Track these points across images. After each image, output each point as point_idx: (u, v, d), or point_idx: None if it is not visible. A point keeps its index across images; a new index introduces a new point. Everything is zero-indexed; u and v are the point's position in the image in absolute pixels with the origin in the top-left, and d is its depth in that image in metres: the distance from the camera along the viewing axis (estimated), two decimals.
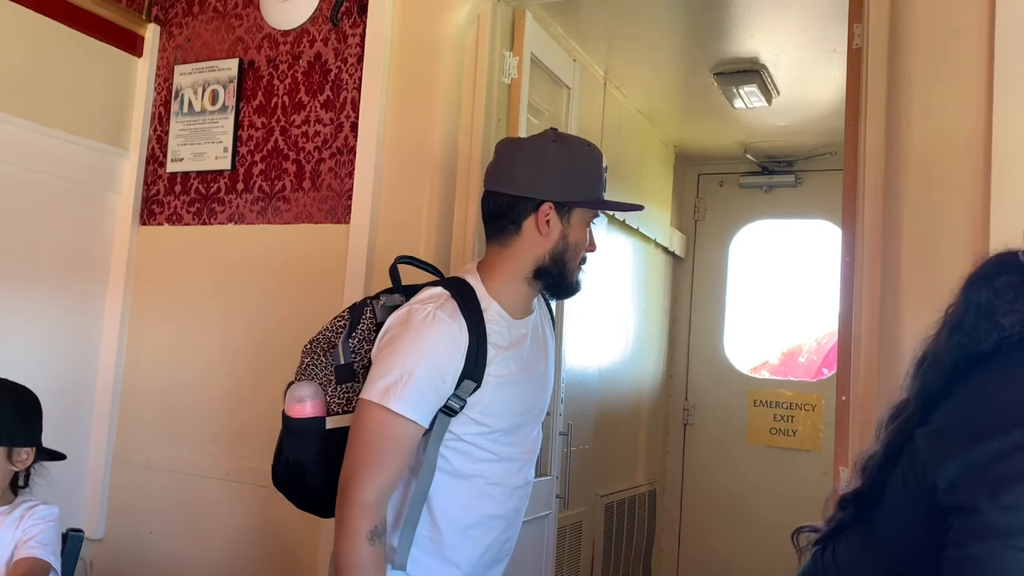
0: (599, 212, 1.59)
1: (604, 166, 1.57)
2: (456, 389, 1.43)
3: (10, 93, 2.31)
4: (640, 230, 3.60)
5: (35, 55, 2.38)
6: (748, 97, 3.15)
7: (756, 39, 2.78)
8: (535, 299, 1.60)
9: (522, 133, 2.31)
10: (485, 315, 1.48)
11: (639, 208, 1.65)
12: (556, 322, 1.83)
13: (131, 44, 2.64)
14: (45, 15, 2.40)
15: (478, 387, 1.44)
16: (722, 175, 4.31)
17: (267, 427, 2.27)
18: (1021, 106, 1.59)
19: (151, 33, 2.65)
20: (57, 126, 2.44)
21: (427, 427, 1.43)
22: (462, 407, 1.45)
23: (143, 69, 2.65)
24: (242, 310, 2.44)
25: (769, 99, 3.16)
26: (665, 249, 4.06)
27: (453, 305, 1.44)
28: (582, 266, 1.56)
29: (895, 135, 1.76)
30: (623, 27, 2.81)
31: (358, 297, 2.20)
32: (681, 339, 4.31)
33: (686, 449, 4.22)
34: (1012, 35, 1.60)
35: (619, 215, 3.33)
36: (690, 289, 4.34)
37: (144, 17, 2.65)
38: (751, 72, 2.94)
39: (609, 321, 3.40)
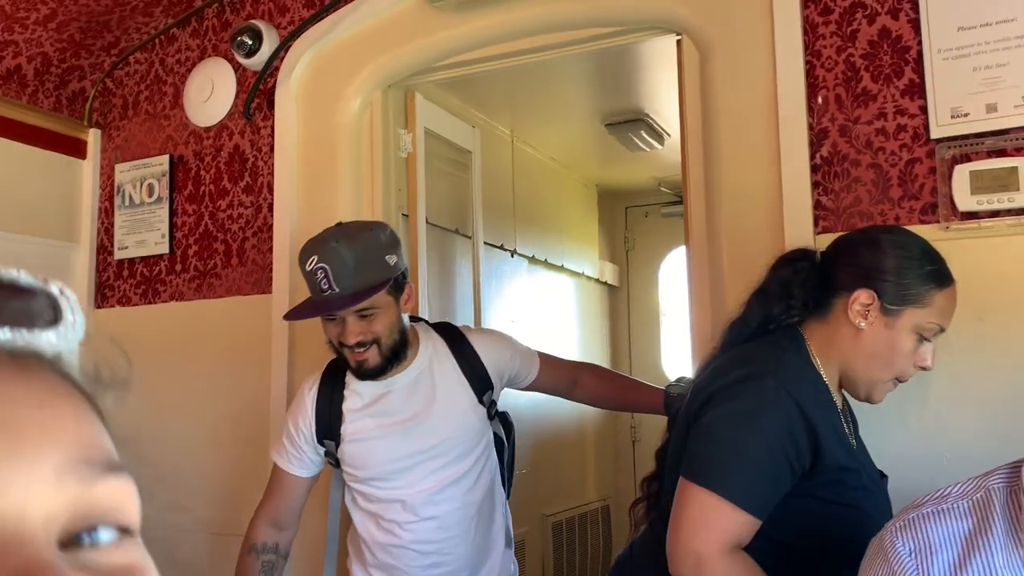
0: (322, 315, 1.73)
1: (307, 269, 1.66)
2: (324, 446, 1.78)
3: None
4: (565, 266, 3.91)
5: None
6: (644, 141, 3.48)
7: (636, 94, 3.12)
8: (419, 349, 1.80)
9: (421, 200, 2.63)
10: (347, 380, 1.79)
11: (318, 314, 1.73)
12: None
13: (76, 149, 2.96)
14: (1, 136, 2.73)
15: (338, 444, 1.77)
16: (646, 207, 4.64)
17: (220, 480, 2.57)
18: (798, 165, 1.90)
19: (93, 137, 2.98)
20: (12, 229, 2.74)
21: (304, 474, 1.82)
22: (337, 461, 1.80)
23: (88, 170, 2.97)
24: (192, 377, 2.72)
25: (661, 141, 3.49)
26: (597, 280, 4.37)
27: (315, 379, 1.81)
28: (343, 350, 1.73)
29: (714, 182, 2.08)
30: (519, 95, 3.15)
31: (284, 359, 2.52)
32: (623, 361, 4.60)
33: (636, 465, 4.49)
34: (790, 117, 1.92)
35: (539, 255, 3.65)
36: (627, 314, 4.65)
37: (85, 123, 2.98)
38: (637, 121, 3.27)
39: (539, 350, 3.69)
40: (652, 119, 3.30)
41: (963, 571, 0.90)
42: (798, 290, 1.42)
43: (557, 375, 2.02)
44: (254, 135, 2.70)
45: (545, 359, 2.01)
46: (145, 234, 2.84)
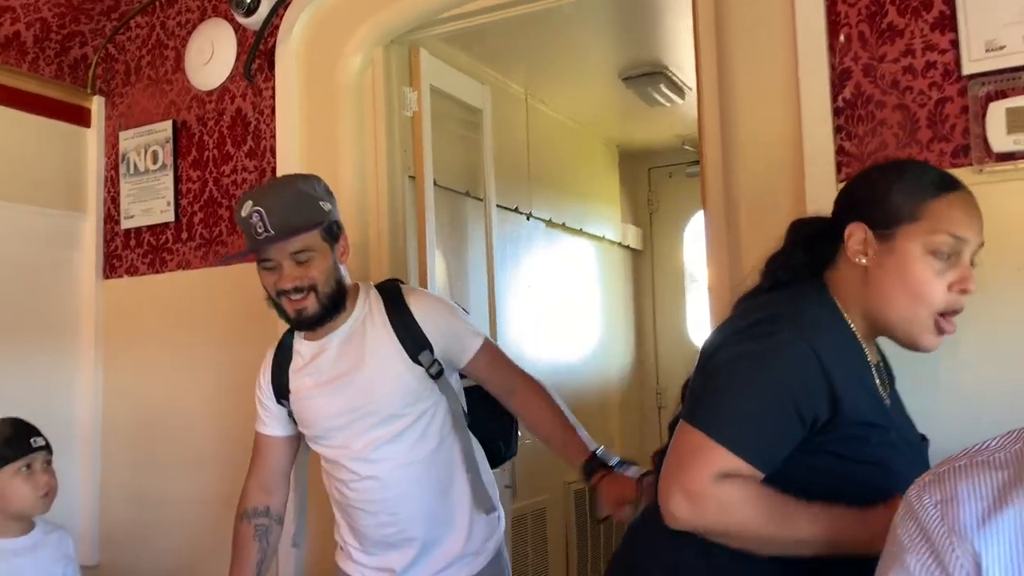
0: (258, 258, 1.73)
1: (241, 216, 1.69)
2: (283, 406, 1.84)
3: None
4: (584, 230, 3.81)
5: None
6: (663, 96, 3.34)
7: (654, 45, 2.99)
8: (355, 308, 1.78)
9: (428, 161, 2.54)
10: (294, 342, 1.83)
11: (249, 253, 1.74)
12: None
13: (80, 117, 2.91)
14: (1, 104, 2.68)
15: (288, 402, 1.84)
16: (670, 167, 4.50)
17: (231, 448, 2.54)
18: (819, 109, 1.78)
19: (96, 105, 2.93)
20: (20, 200, 2.71)
21: (278, 433, 1.86)
22: (295, 420, 1.84)
23: (92, 138, 2.92)
24: (200, 345, 2.68)
25: (682, 95, 3.35)
26: (620, 244, 4.26)
27: (276, 342, 1.87)
28: (281, 299, 1.73)
29: (731, 135, 1.97)
30: (531, 49, 3.02)
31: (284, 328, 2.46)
32: (647, 327, 4.50)
33: (661, 432, 4.40)
34: (810, 58, 1.80)
35: (556, 218, 3.54)
36: (651, 278, 4.54)
37: (89, 91, 2.93)
38: (655, 74, 3.14)
39: (560, 319, 3.61)
40: (671, 72, 3.17)
41: (993, 521, 0.83)
42: (803, 246, 1.34)
43: (494, 374, 1.87)
44: (256, 97, 2.62)
45: (489, 352, 1.86)
46: (151, 202, 2.79)
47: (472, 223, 2.97)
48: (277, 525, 1.89)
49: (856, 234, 1.26)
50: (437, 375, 1.78)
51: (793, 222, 1.40)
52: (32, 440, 1.93)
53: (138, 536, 2.76)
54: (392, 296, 1.81)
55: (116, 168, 2.89)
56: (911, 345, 1.28)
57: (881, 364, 1.36)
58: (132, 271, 2.84)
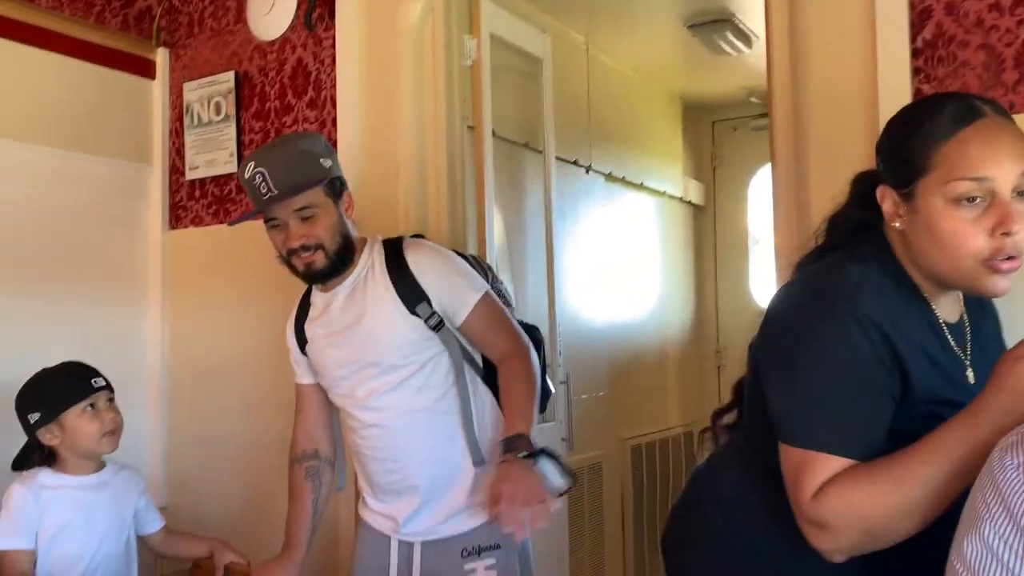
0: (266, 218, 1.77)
1: (244, 178, 1.73)
2: (306, 356, 1.91)
3: (47, 128, 2.65)
4: (645, 184, 3.74)
5: (65, 92, 2.71)
6: (730, 44, 3.24)
7: None
8: (358, 264, 1.80)
9: (486, 111, 2.50)
10: (312, 294, 1.89)
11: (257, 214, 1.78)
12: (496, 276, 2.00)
13: (145, 69, 2.95)
14: (70, 56, 2.73)
15: (308, 353, 1.90)
16: (734, 120, 4.38)
17: (291, 396, 2.59)
18: (896, 51, 1.70)
19: (161, 57, 2.96)
20: (89, 151, 2.77)
21: (310, 381, 1.95)
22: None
23: (157, 90, 2.96)
24: (263, 294, 2.72)
25: (749, 44, 3.24)
26: (681, 199, 4.18)
27: (301, 296, 1.95)
28: (291, 258, 1.78)
29: (802, 82, 1.89)
30: None
31: None
32: (708, 284, 4.43)
33: (720, 391, 4.35)
34: (888, 2, 1.71)
35: (616, 172, 3.48)
36: (713, 235, 4.45)
37: (154, 43, 2.96)
38: (722, 22, 3.04)
39: (619, 275, 3.57)
40: (738, 19, 3.06)
41: None
42: (861, 204, 1.25)
43: (488, 337, 1.83)
44: (316, 47, 2.62)
45: (485, 313, 1.81)
46: (214, 153, 2.83)
47: (530, 176, 2.94)
48: (327, 466, 1.96)
49: (885, 198, 1.17)
50: (437, 326, 1.77)
51: (855, 176, 1.31)
52: (93, 380, 1.97)
53: (203, 478, 2.85)
54: (394, 250, 1.83)
55: (180, 119, 2.93)
56: (978, 294, 1.18)
57: (965, 320, 1.25)
58: (197, 221, 2.89)
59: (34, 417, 1.93)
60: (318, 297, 1.89)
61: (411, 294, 1.76)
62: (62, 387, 1.95)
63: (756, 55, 3.40)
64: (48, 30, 2.67)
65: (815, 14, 1.86)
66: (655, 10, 3.12)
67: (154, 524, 2.11)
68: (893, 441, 1.09)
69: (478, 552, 1.78)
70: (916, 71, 1.67)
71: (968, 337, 1.24)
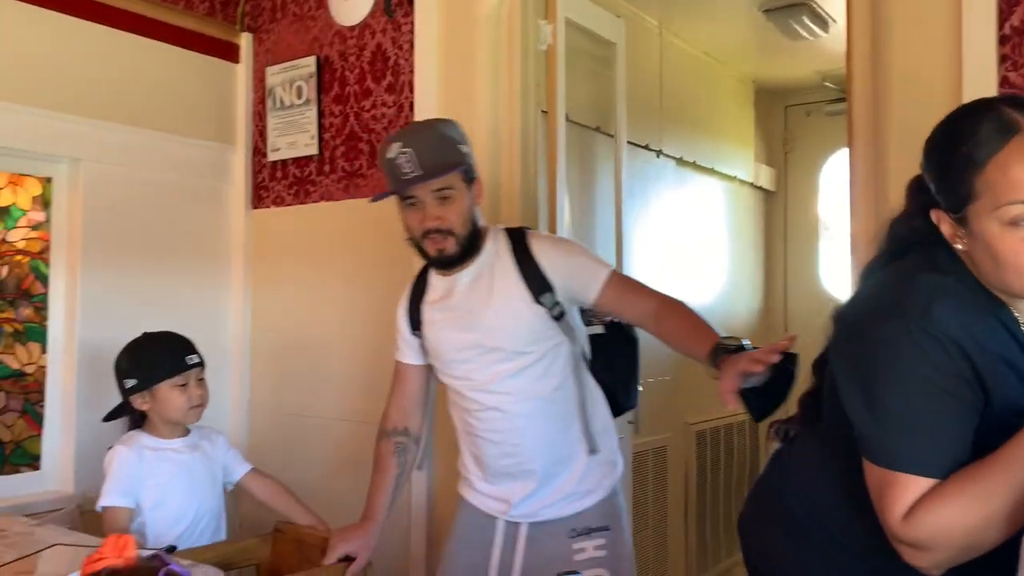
0: (403, 195, 1.81)
1: (388, 158, 1.78)
2: (416, 337, 1.95)
3: (139, 110, 2.79)
4: (716, 169, 3.72)
5: (155, 76, 2.84)
6: (806, 28, 3.20)
7: None
8: (484, 252, 1.85)
9: (560, 96, 2.53)
10: (429, 276, 1.92)
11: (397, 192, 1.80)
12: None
13: (230, 53, 3.06)
14: (160, 40, 2.85)
15: (421, 333, 1.94)
16: (808, 105, 4.32)
17: (366, 371, 2.68)
18: (982, 38, 1.67)
19: (245, 41, 3.07)
20: (178, 132, 2.90)
21: (413, 362, 1.99)
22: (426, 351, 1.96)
23: (241, 73, 3.07)
24: (339, 274, 2.83)
25: (826, 27, 3.19)
26: (752, 184, 4.14)
27: (414, 278, 1.99)
28: (424, 241, 1.83)
29: (882, 69, 1.88)
30: None
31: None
32: (777, 271, 4.39)
33: None
34: None
35: (687, 156, 3.48)
36: (783, 221, 4.40)
37: (238, 28, 3.07)
38: (799, 6, 3.00)
39: (688, 260, 3.57)
40: (816, 2, 3.02)
41: None
42: (923, 216, 1.19)
43: (627, 303, 1.86)
44: (395, 33, 2.68)
45: (618, 282, 1.86)
46: (295, 136, 2.92)
47: (601, 159, 2.97)
48: (414, 445, 2.03)
49: (942, 222, 1.15)
50: (559, 316, 1.83)
51: (910, 182, 1.26)
52: (188, 358, 2.09)
53: (282, 449, 2.97)
54: (518, 240, 1.87)
55: (263, 102, 3.03)
56: None
57: None
58: (278, 201, 3.00)
59: (130, 383, 2.06)
60: (438, 281, 1.92)
61: (537, 283, 1.81)
62: (159, 360, 2.07)
63: (832, 39, 3.35)
64: (140, 15, 2.80)
65: None
66: None
67: (242, 468, 2.22)
68: (973, 452, 1.09)
69: (588, 533, 1.84)
70: (1003, 59, 1.65)
71: None
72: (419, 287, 1.97)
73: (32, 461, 2.64)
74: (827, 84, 4.00)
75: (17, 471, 2.61)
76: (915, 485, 1.08)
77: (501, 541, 1.90)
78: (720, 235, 3.88)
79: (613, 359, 2.01)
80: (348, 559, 1.94)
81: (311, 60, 2.87)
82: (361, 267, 2.75)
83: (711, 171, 3.71)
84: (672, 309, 1.85)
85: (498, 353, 1.82)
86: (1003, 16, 1.65)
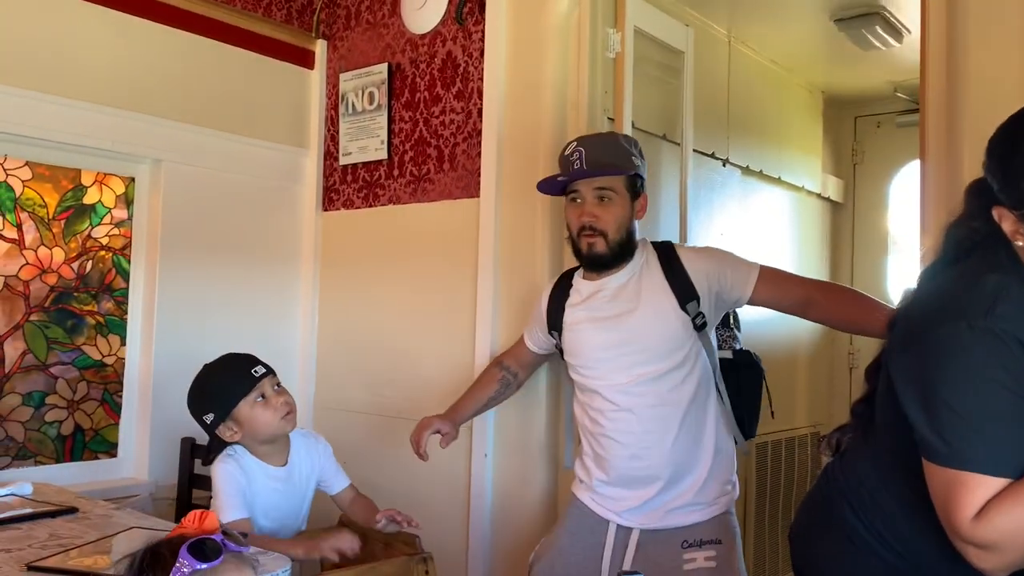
0: (569, 191, 1.96)
1: (564, 154, 1.94)
2: (553, 337, 2.07)
3: (217, 112, 2.90)
4: (782, 178, 3.69)
5: (233, 80, 2.95)
6: (879, 38, 3.15)
7: None
8: (633, 258, 1.94)
9: (628, 103, 2.55)
10: (573, 280, 2.01)
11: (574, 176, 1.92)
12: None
13: (305, 59, 3.16)
14: (238, 46, 2.96)
15: (561, 334, 2.03)
16: (878, 116, 4.24)
17: (430, 372, 2.72)
18: None
19: (320, 48, 3.16)
20: (253, 135, 3.01)
21: (532, 348, 2.20)
22: (561, 349, 2.05)
23: (316, 79, 3.17)
24: (405, 275, 2.89)
25: (899, 38, 3.14)
26: (819, 195, 4.09)
27: (554, 280, 2.12)
28: (579, 238, 1.94)
29: (957, 79, 1.85)
30: None
31: (491, 260, 2.59)
32: (844, 282, 4.31)
33: (851, 393, 4.24)
34: None
35: (754, 166, 3.45)
36: (851, 233, 4.33)
37: (314, 35, 3.16)
38: (871, 15, 2.96)
39: None
40: (889, 12, 2.97)
41: None
42: (982, 217, 1.20)
43: (782, 293, 1.95)
44: (466, 40, 2.73)
45: (769, 275, 1.95)
46: (366, 140, 3.00)
47: (667, 167, 2.97)
48: (516, 387, 2.27)
49: (1004, 219, 1.14)
50: (700, 327, 1.90)
51: (970, 186, 1.26)
52: (253, 370, 1.98)
53: (346, 447, 3.02)
54: (666, 251, 1.97)
55: (336, 108, 3.11)
56: None
57: None
58: (348, 204, 3.08)
59: (209, 418, 1.96)
60: (583, 284, 2.01)
61: (684, 291, 1.90)
62: (227, 383, 1.97)
63: (905, 48, 3.30)
64: (221, 22, 2.91)
65: (975, 7, 1.81)
66: (801, 3, 3.07)
67: (341, 483, 2.16)
68: None
69: (699, 544, 1.86)
70: None
71: None
72: (562, 289, 2.06)
73: (110, 449, 2.75)
74: (899, 94, 3.93)
75: (96, 458, 2.72)
76: (987, 485, 1.07)
77: (612, 544, 1.92)
78: (786, 246, 3.84)
79: (741, 385, 2.07)
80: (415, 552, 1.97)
81: (383, 67, 2.94)
82: (427, 270, 2.80)
83: (777, 181, 3.67)
84: (836, 295, 1.98)
85: (641, 355, 1.88)
86: None
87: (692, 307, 1.89)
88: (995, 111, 1.75)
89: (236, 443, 1.98)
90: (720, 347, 2.08)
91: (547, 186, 1.99)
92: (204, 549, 1.09)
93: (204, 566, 1.08)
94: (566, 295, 2.03)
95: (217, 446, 2.00)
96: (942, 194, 1.87)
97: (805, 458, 3.95)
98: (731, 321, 2.15)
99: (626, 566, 1.88)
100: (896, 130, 4.17)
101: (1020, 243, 1.14)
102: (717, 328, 2.05)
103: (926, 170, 1.93)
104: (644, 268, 1.95)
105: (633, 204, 1.95)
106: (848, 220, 4.34)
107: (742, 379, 2.05)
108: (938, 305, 1.17)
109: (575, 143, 1.94)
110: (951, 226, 1.27)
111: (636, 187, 1.95)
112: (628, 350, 1.89)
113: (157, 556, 1.11)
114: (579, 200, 1.92)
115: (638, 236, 1.99)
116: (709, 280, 1.91)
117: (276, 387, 2.01)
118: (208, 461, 2.04)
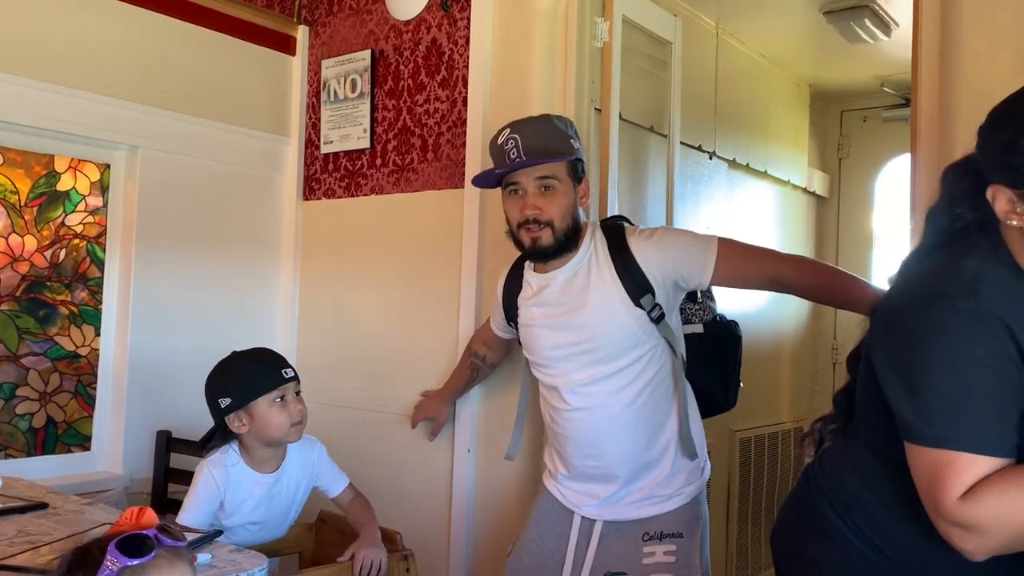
0: (507, 183, 1.84)
1: (496, 143, 1.81)
2: (511, 328, 2.02)
3: (195, 98, 2.83)
4: (768, 172, 3.66)
5: (212, 65, 2.88)
6: (867, 32, 3.13)
7: None
8: (580, 250, 1.83)
9: (615, 94, 2.51)
10: (524, 271, 1.92)
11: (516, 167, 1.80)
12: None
13: (286, 45, 3.09)
14: (217, 31, 2.89)
15: (517, 328, 1.97)
16: (865, 110, 4.23)
17: (410, 364, 2.68)
18: None
19: (301, 34, 3.10)
20: (232, 122, 2.94)
21: (497, 332, 2.15)
22: (520, 342, 1.96)
23: (297, 66, 3.10)
24: (387, 266, 2.84)
25: (888, 32, 3.12)
26: (805, 190, 4.07)
27: (506, 270, 2.03)
28: (520, 231, 1.83)
29: (950, 74, 1.82)
30: None
31: (474, 250, 2.55)
32: None
33: (834, 388, 4.23)
34: None
35: (740, 159, 3.43)
36: (836, 228, 4.32)
37: (295, 20, 3.10)
38: (861, 8, 2.94)
39: None
40: (878, 5, 2.95)
41: None
42: (967, 203, 1.20)
43: (746, 270, 1.83)
44: (451, 28, 2.68)
45: (729, 251, 1.81)
46: (348, 129, 2.94)
47: (653, 159, 2.93)
48: (488, 368, 2.34)
49: (999, 197, 1.13)
50: (658, 319, 1.80)
51: (945, 170, 1.26)
52: (284, 371, 1.95)
53: (325, 440, 2.98)
54: (616, 238, 1.84)
55: (317, 95, 3.05)
56: None
57: None
58: (329, 194, 3.02)
59: (225, 402, 1.91)
60: (532, 277, 1.92)
61: (636, 285, 1.78)
62: (254, 374, 1.93)
63: (891, 43, 3.28)
64: (200, 5, 2.84)
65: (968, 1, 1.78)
66: None
67: (339, 485, 2.10)
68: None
69: (660, 537, 1.81)
70: None
71: None
72: (515, 281, 1.97)
73: (83, 442, 2.69)
74: (885, 89, 3.91)
75: (68, 451, 2.66)
76: (974, 464, 1.05)
77: (576, 536, 1.89)
78: (771, 240, 3.82)
79: (712, 358, 2.00)
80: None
81: (366, 54, 2.88)
82: (409, 261, 2.76)
83: (764, 174, 3.65)
84: (802, 266, 1.87)
85: (591, 355, 1.81)
86: None
87: (647, 300, 1.78)
88: (987, 103, 1.74)
89: (236, 439, 1.95)
90: (690, 321, 2.00)
91: (483, 179, 1.85)
92: (136, 545, 1.05)
93: (134, 562, 1.05)
94: (519, 287, 1.95)
95: (218, 435, 1.96)
96: (933, 187, 1.85)
97: (788, 453, 3.94)
98: (698, 296, 2.03)
99: (589, 557, 1.86)
100: (882, 125, 4.16)
101: (1013, 222, 1.12)
102: (684, 303, 1.96)
103: (917, 165, 1.90)
104: (593, 260, 1.83)
105: (576, 190, 1.83)
106: (833, 215, 4.33)
107: (712, 352, 1.98)
108: (919, 290, 1.16)
109: (508, 129, 1.80)
110: (932, 212, 1.26)
111: (578, 172, 1.83)
112: (580, 349, 1.82)
113: (86, 554, 1.08)
114: (519, 192, 1.79)
115: (590, 219, 1.90)
116: (663, 270, 1.79)
117: (296, 394, 1.99)
118: (202, 448, 1.99)
